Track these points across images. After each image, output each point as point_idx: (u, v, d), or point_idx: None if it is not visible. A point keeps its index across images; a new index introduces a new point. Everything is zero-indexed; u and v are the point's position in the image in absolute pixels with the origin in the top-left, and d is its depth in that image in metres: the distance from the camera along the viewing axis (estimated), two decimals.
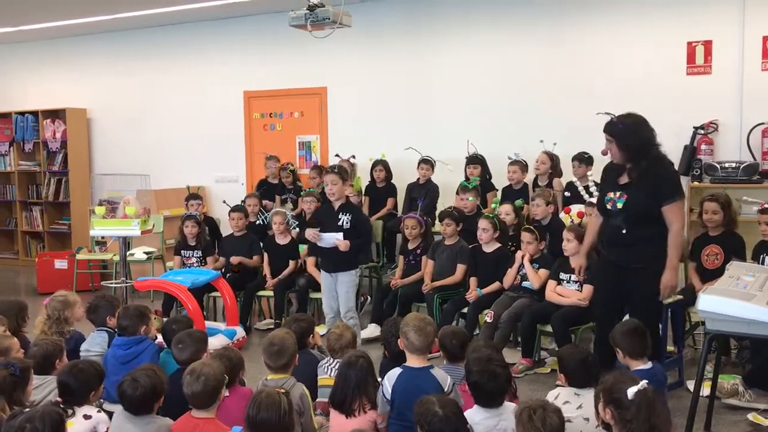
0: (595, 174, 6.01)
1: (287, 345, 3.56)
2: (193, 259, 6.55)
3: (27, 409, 2.70)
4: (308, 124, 8.59)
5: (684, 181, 6.56)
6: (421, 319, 3.53)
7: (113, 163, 9.50)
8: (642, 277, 4.01)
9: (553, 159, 6.49)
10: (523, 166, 6.57)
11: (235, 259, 6.38)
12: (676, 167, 6.50)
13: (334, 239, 5.05)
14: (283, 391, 2.94)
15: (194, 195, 7.19)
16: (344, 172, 5.41)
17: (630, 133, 3.99)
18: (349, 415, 3.27)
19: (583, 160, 6.25)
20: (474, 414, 3.07)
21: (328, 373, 3.81)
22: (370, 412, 3.31)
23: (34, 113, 9.81)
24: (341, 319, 5.16)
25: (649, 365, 3.53)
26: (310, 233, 5.20)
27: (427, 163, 7.15)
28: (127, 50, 9.53)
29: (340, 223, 5.12)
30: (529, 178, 6.67)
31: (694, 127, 6.63)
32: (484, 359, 3.13)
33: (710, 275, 4.75)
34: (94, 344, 4.22)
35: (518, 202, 5.94)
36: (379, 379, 3.83)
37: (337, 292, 5.21)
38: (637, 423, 2.66)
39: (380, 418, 3.32)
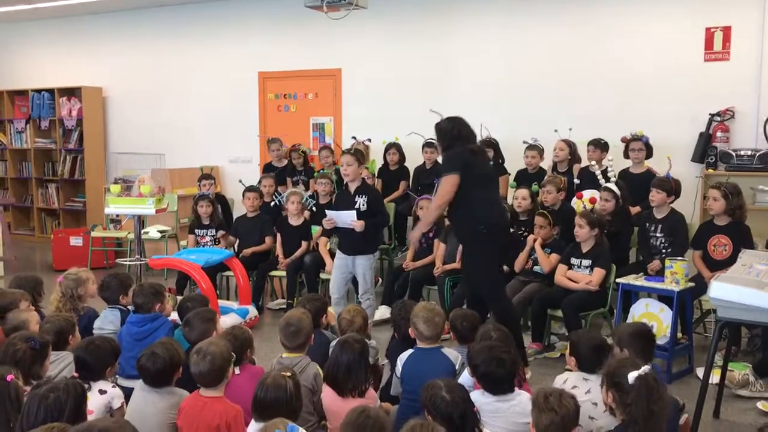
0: (616, 160, 5.98)
1: (304, 325, 3.59)
2: (207, 238, 6.61)
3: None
4: (322, 106, 8.59)
5: (698, 168, 6.56)
6: (430, 310, 3.58)
7: (128, 141, 9.56)
8: (465, 247, 4.69)
9: (571, 146, 6.44)
10: (541, 151, 6.56)
11: (247, 252, 6.40)
12: (691, 154, 6.59)
13: (349, 219, 5.04)
14: (288, 374, 2.94)
15: (207, 175, 7.23)
16: (360, 154, 5.42)
17: (448, 130, 4.57)
18: (339, 394, 3.27)
19: (599, 145, 6.23)
20: (484, 395, 3.10)
21: None
22: (359, 399, 3.25)
23: (50, 91, 9.87)
24: (357, 301, 5.19)
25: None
26: (325, 221, 5.22)
27: (431, 146, 7.12)
28: (143, 29, 9.55)
29: (357, 206, 5.12)
30: (547, 164, 6.64)
31: (710, 114, 6.58)
32: (487, 348, 3.16)
33: (718, 266, 4.73)
34: (107, 322, 4.27)
35: (534, 187, 5.93)
36: (385, 361, 3.88)
37: (355, 274, 5.23)
38: (636, 407, 2.68)
39: (371, 403, 3.32)
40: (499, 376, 3.05)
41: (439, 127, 4.63)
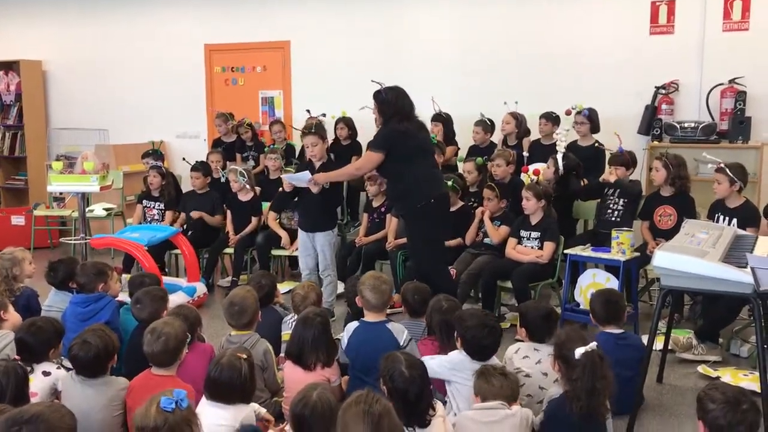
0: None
1: (248, 304, 3.56)
2: (155, 211, 6.51)
3: None
4: (271, 79, 8.44)
5: (644, 140, 6.69)
6: (377, 278, 3.59)
7: (71, 117, 9.23)
8: (404, 221, 4.77)
9: (518, 118, 6.45)
10: (488, 126, 6.55)
11: (195, 214, 6.28)
12: (638, 126, 6.70)
13: (306, 178, 4.91)
14: (244, 356, 2.93)
15: (148, 152, 7.08)
16: (322, 131, 5.34)
17: (390, 101, 4.54)
18: (305, 369, 3.31)
19: (551, 118, 6.24)
20: (462, 360, 3.15)
21: (292, 329, 3.83)
22: (326, 369, 3.33)
23: None
24: (319, 276, 5.17)
25: (620, 330, 3.67)
26: (285, 183, 5.12)
27: (345, 121, 7.07)
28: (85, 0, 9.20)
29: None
30: (498, 137, 6.66)
31: (655, 87, 6.70)
32: (480, 314, 3.23)
33: (663, 235, 4.84)
34: (58, 300, 4.20)
35: (479, 159, 5.93)
36: (342, 335, 3.88)
37: (315, 251, 5.19)
38: (580, 383, 2.74)
39: (334, 375, 3.36)
40: (486, 344, 3.13)
41: (381, 98, 4.58)
